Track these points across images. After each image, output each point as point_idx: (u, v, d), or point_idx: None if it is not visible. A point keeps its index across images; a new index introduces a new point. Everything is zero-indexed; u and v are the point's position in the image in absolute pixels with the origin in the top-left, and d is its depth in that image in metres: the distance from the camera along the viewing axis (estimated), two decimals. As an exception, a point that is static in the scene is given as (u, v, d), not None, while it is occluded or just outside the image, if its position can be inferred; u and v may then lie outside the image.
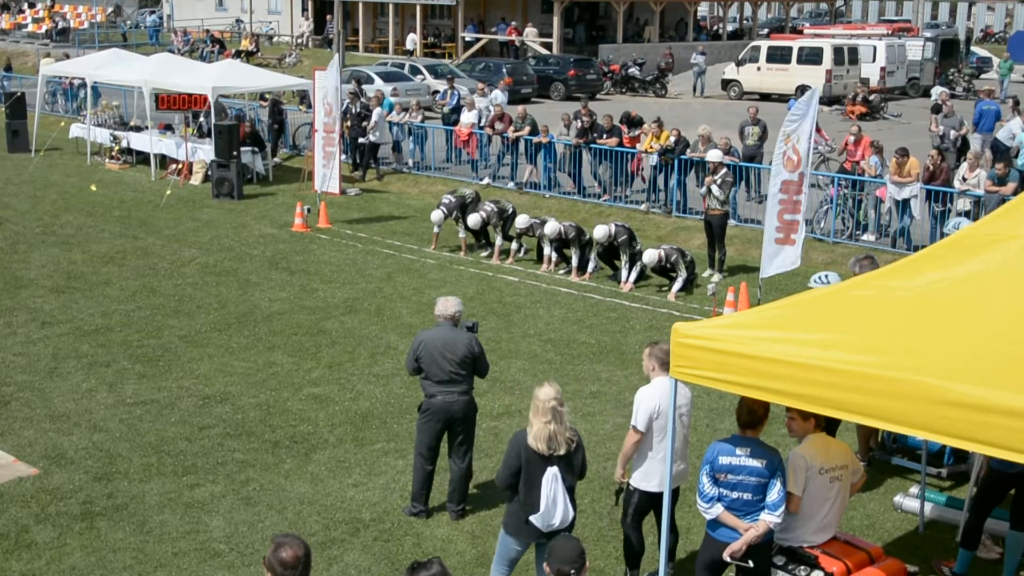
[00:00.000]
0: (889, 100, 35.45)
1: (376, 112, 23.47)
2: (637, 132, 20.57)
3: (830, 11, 61.41)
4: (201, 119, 24.49)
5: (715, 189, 15.72)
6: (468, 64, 40.34)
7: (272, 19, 55.48)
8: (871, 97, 32.99)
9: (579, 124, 20.75)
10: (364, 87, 27.30)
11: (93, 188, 22.11)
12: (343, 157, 21.33)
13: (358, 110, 23.39)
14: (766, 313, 6.46)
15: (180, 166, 23.79)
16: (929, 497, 8.80)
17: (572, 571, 5.07)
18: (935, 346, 5.61)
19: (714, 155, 16.14)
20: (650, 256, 15.21)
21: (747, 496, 6.54)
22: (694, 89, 40.38)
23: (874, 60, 38.17)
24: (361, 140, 23.30)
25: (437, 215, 17.58)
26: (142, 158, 24.88)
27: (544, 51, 43.71)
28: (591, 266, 16.25)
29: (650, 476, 7.39)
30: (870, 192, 17.66)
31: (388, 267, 16.74)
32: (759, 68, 38.27)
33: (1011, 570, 7.78)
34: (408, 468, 9.26)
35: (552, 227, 16.30)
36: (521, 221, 16.86)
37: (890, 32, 42.04)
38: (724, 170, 15.90)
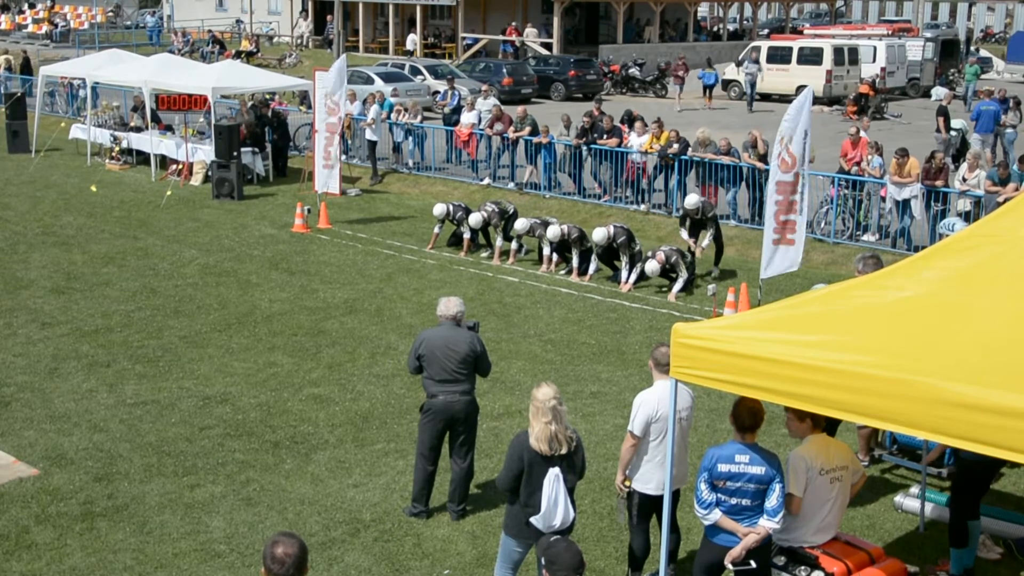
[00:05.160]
0: (889, 100, 35.44)
1: (373, 110, 23.47)
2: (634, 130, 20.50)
3: (830, 11, 61.43)
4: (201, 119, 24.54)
5: (706, 241, 15.97)
6: (468, 64, 40.35)
7: (272, 19, 55.53)
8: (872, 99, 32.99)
9: (580, 124, 20.77)
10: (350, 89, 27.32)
11: (93, 189, 22.11)
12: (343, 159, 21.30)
13: (270, 116, 23.96)
14: (766, 314, 6.46)
15: (180, 167, 23.79)
16: (929, 497, 8.80)
17: None
18: (935, 346, 5.61)
19: (691, 201, 16.09)
20: (652, 267, 15.18)
21: (746, 502, 6.51)
22: (749, 102, 35.89)
23: (874, 60, 38.15)
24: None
25: (440, 209, 17.61)
26: (142, 159, 24.89)
27: (544, 51, 43.72)
28: (591, 268, 16.24)
29: (649, 479, 7.39)
30: (871, 192, 17.66)
31: (388, 268, 16.74)
32: (759, 68, 38.21)
33: (970, 556, 7.90)
34: (408, 468, 9.26)
35: (554, 231, 16.27)
36: (521, 224, 16.84)
37: (890, 32, 42.04)
38: (699, 209, 15.94)
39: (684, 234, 16.29)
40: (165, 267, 16.57)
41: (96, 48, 42.87)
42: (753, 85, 36.14)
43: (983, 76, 42.07)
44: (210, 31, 50.55)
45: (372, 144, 23.61)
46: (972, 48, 50.18)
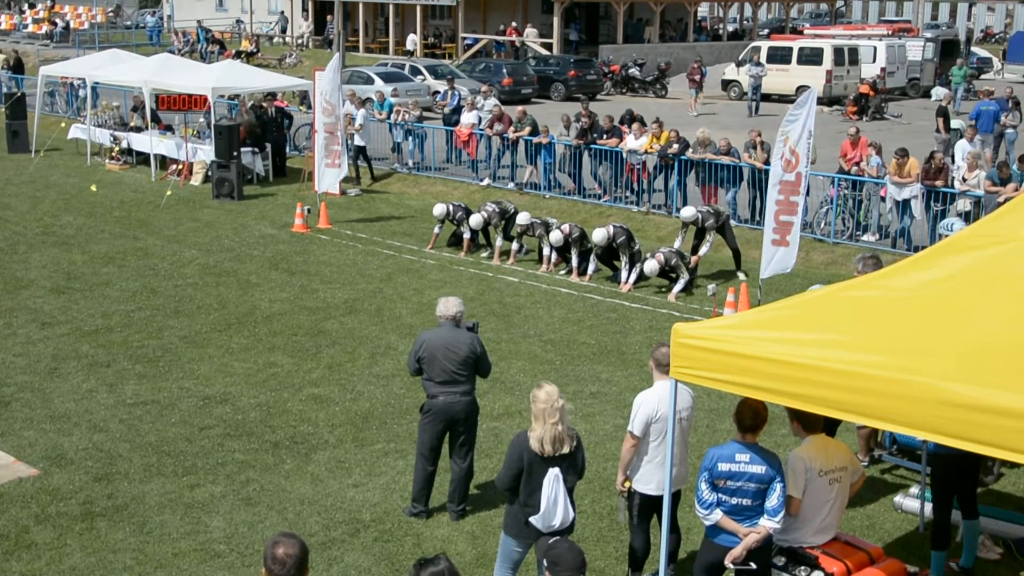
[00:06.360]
0: (889, 100, 35.42)
1: (359, 113, 23.20)
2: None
3: (830, 12, 61.42)
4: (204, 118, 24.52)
5: (704, 249, 15.96)
6: (468, 65, 40.36)
7: (272, 19, 55.49)
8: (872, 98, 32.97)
9: (579, 125, 20.78)
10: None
11: (93, 189, 22.11)
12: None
13: (272, 115, 23.99)
14: (766, 314, 6.46)
15: (180, 167, 23.79)
16: (929, 497, 8.78)
17: None
18: (935, 346, 5.61)
19: (686, 214, 16.09)
20: (651, 267, 15.16)
21: (746, 502, 6.51)
22: (755, 106, 34.64)
23: (874, 60, 38.14)
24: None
25: (440, 209, 17.60)
26: (142, 159, 24.88)
27: (544, 51, 43.73)
28: (591, 268, 16.23)
29: (649, 480, 7.38)
30: (871, 192, 17.66)
31: (388, 268, 16.74)
32: (764, 71, 38.15)
33: (969, 557, 7.91)
34: (408, 468, 9.27)
35: (556, 236, 16.24)
36: (523, 219, 16.84)
37: (890, 32, 42.01)
38: (698, 220, 15.92)
39: (679, 240, 16.23)
40: (165, 267, 16.57)
41: (96, 48, 42.81)
42: (757, 88, 34.98)
43: (983, 76, 42.05)
44: (199, 28, 50.02)
45: (358, 149, 23.08)
46: (971, 49, 50.10)
